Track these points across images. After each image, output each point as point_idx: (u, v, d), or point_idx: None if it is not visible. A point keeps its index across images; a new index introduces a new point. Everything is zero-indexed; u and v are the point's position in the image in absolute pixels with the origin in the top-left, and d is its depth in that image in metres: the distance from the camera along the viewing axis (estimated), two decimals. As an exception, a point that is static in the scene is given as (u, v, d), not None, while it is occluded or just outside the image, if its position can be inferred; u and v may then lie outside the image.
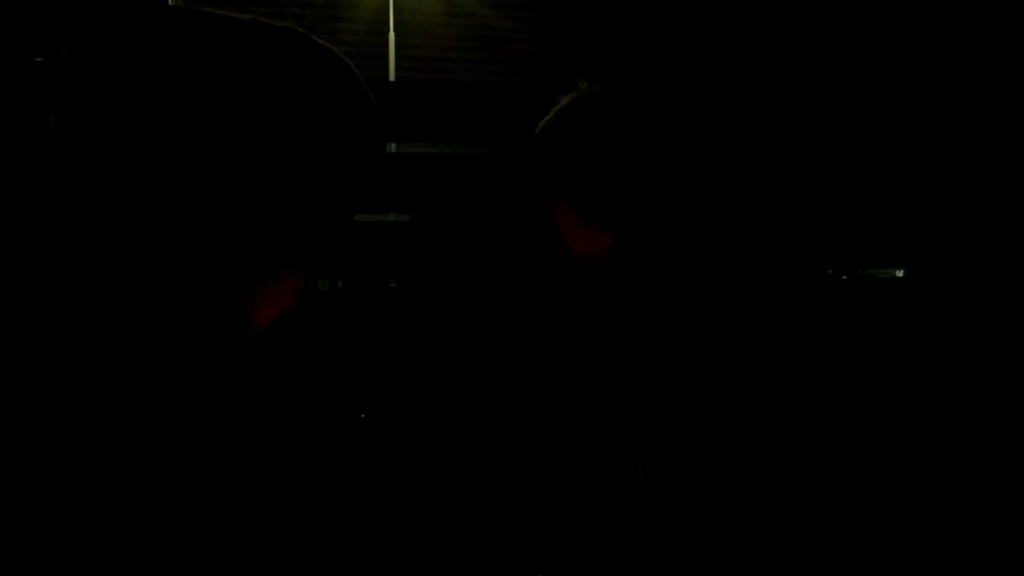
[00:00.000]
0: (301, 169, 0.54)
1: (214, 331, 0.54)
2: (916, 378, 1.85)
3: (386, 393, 1.27)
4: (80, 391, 0.49)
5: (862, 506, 1.72)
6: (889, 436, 1.82)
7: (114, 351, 0.51)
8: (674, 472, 1.51)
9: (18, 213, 0.53)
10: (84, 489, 0.48)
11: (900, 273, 2.09)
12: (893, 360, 1.86)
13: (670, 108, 1.82)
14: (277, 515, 0.64)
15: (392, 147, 4.12)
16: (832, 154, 1.89)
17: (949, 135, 1.90)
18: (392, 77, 6.58)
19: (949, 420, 1.81)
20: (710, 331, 1.73)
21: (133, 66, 0.50)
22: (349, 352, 1.67)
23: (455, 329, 1.20)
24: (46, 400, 0.49)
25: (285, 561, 0.68)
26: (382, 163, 0.64)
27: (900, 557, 1.63)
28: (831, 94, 1.94)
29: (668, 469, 1.39)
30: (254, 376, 0.61)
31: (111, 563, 0.48)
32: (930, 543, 1.65)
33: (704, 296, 1.74)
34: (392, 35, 6.75)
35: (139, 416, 0.51)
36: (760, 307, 1.79)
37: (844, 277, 1.96)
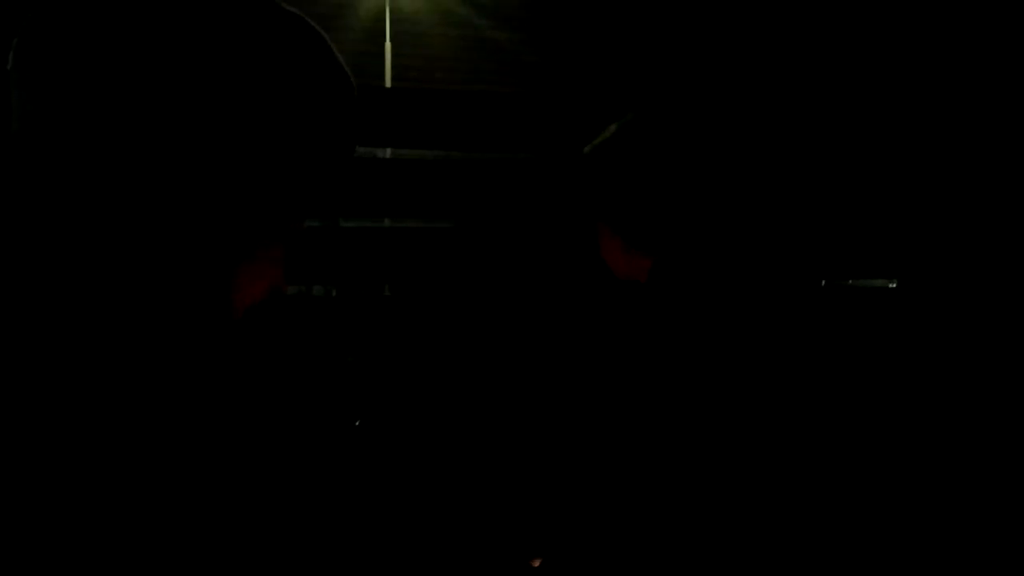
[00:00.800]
0: (272, 136, 0.53)
1: (193, 309, 0.52)
2: (911, 388, 1.85)
3: (388, 401, 1.27)
4: (55, 378, 0.47)
5: (856, 512, 1.72)
6: (885, 447, 1.83)
7: (89, 334, 0.49)
8: (672, 475, 1.51)
9: None
10: (60, 480, 0.46)
11: (893, 284, 2.10)
12: (889, 371, 1.86)
13: (720, 138, 1.84)
14: (267, 515, 0.63)
15: (387, 152, 4.11)
16: (825, 162, 1.89)
17: (945, 144, 1.91)
18: (388, 85, 6.60)
19: (944, 428, 1.82)
20: (725, 347, 1.74)
21: (89, 38, 0.48)
22: (347, 358, 1.66)
23: (477, 337, 1.23)
24: (18, 389, 0.47)
25: (273, 557, 0.67)
26: (357, 130, 0.62)
27: (890, 561, 1.63)
28: (826, 101, 1.96)
29: (666, 473, 1.39)
30: (243, 370, 0.59)
31: (88, 554, 0.47)
32: (920, 546, 1.66)
33: (729, 316, 1.75)
34: (388, 44, 6.77)
35: (119, 403, 0.49)
36: (763, 319, 1.80)
37: (836, 287, 1.96)
